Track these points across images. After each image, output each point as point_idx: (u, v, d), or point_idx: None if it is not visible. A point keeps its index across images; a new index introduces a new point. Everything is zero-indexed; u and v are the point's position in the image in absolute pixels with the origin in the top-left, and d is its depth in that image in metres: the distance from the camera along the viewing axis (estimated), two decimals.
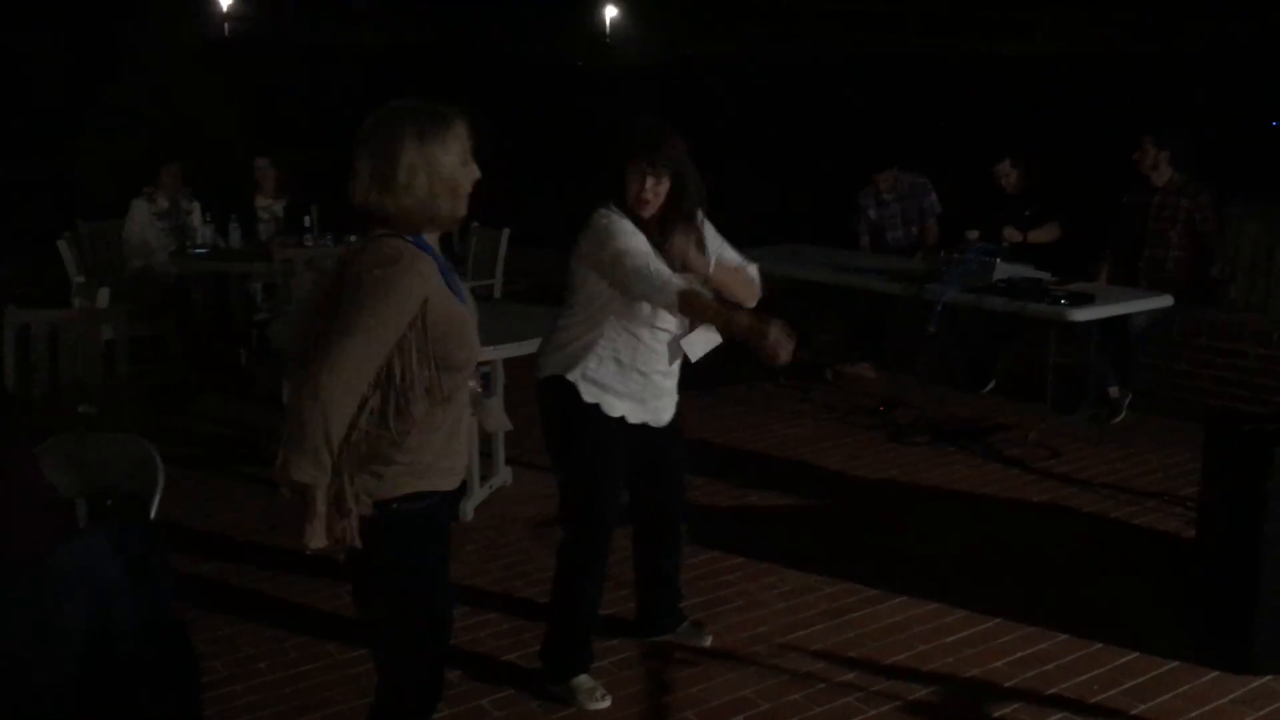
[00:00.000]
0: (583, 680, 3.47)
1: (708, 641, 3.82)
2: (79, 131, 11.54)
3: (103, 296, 4.97)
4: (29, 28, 14.32)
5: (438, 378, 2.35)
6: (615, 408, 3.35)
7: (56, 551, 2.28)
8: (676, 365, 3.45)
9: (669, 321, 3.36)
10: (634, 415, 3.41)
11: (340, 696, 3.54)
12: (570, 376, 3.34)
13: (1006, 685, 3.56)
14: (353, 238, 7.17)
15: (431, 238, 2.43)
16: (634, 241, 3.21)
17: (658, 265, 3.17)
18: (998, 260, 5.67)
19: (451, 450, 2.49)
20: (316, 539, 2.32)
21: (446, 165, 2.35)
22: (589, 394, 3.33)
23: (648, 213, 3.27)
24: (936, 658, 3.74)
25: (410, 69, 18.86)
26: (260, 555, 4.55)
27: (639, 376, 3.36)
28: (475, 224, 7.21)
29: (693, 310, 3.20)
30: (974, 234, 5.92)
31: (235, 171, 8.83)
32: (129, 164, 7.99)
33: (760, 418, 6.38)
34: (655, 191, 3.25)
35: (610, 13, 29.39)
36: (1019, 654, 3.75)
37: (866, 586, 4.25)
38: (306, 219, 7.16)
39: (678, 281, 3.14)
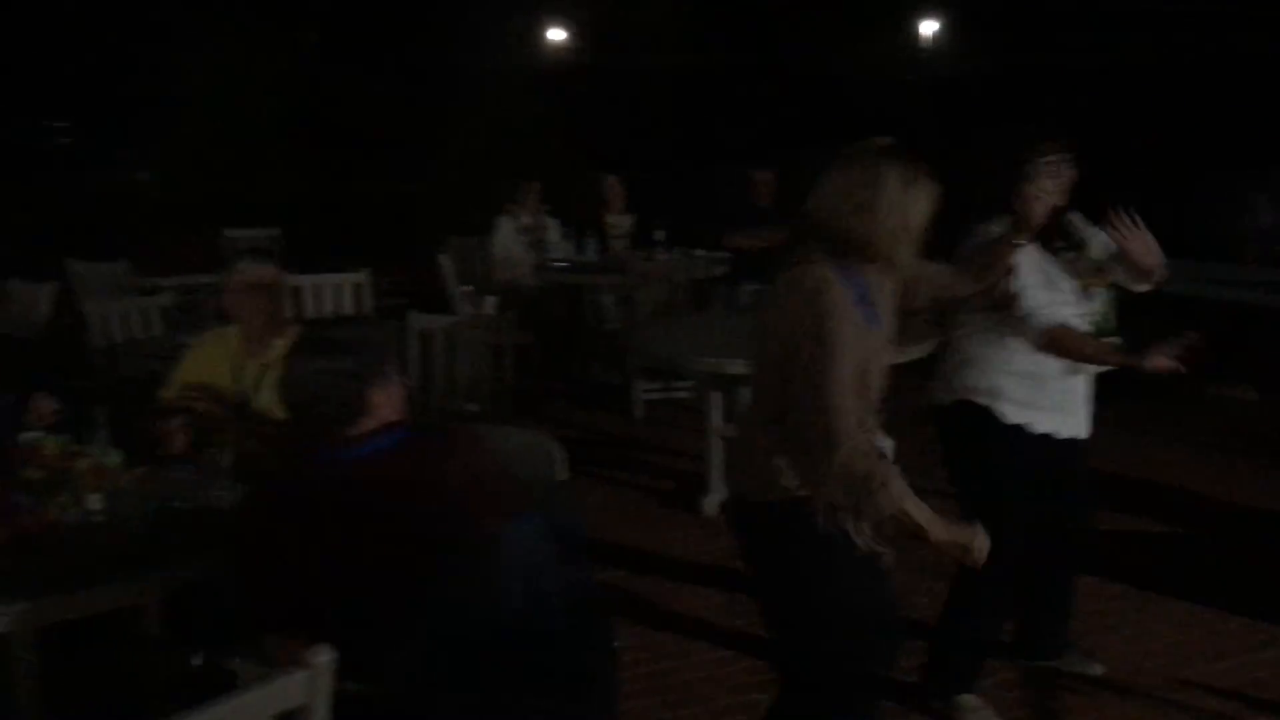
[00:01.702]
0: (969, 699, 3.37)
1: (1098, 670, 3.62)
2: (442, 152, 12.54)
3: (489, 305, 5.35)
4: (388, 58, 15.73)
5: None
6: (1040, 423, 3.25)
7: (505, 531, 2.45)
8: (1090, 370, 3.30)
9: (1074, 324, 3.22)
10: (1063, 429, 3.29)
11: (715, 693, 3.62)
12: (982, 399, 3.26)
13: None
14: (699, 251, 7.42)
15: (874, 273, 2.45)
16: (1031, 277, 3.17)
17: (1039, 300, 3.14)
18: None
19: None
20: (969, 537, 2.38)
21: (916, 214, 2.39)
22: (1012, 414, 3.23)
23: (1057, 201, 3.15)
24: None
25: (722, 88, 19.25)
26: (616, 553, 4.71)
27: (1057, 386, 3.24)
28: None
29: (1062, 349, 3.16)
30: None
31: (577, 190, 9.28)
32: (488, 184, 8.56)
33: (1133, 439, 6.01)
34: (1064, 178, 3.15)
35: (929, 26, 28.82)
36: None
37: (1274, 625, 3.90)
38: (657, 234, 7.42)
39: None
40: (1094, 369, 3.33)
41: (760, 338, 2.48)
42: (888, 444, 2.54)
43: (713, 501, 5.18)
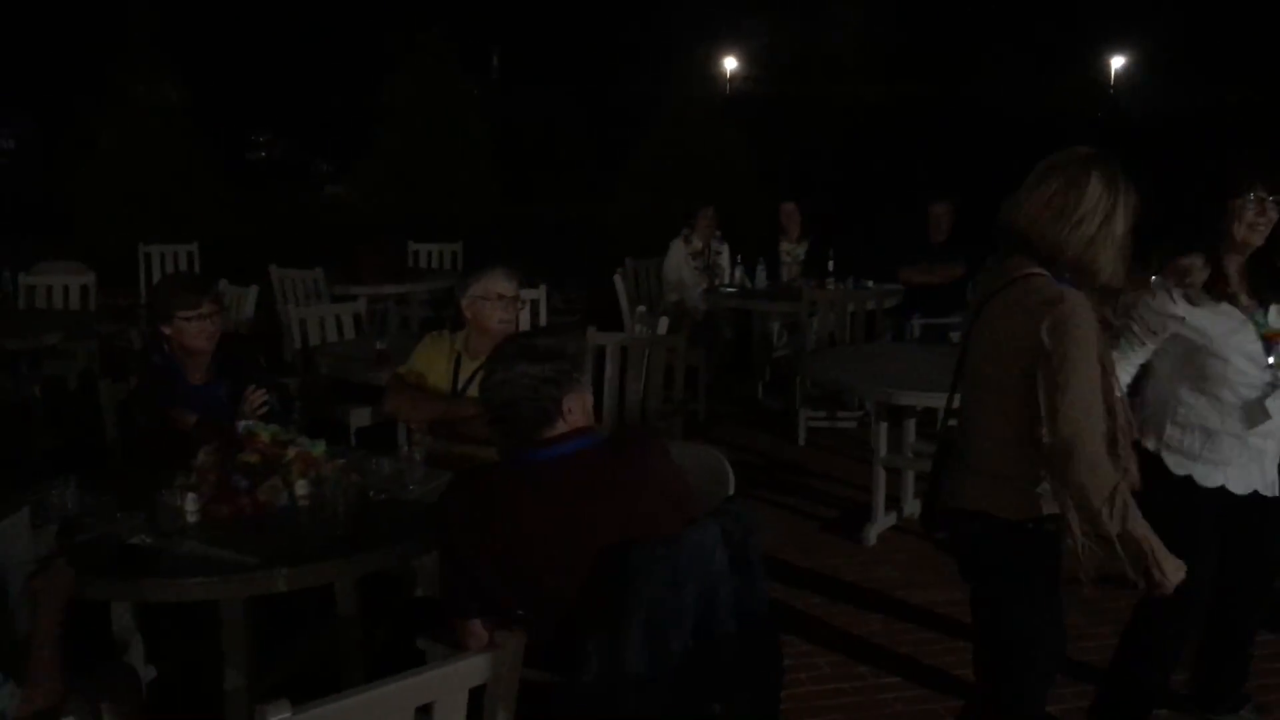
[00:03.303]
0: None
1: None
2: (624, 176, 12.85)
3: (662, 325, 5.49)
4: (573, 85, 16.29)
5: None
6: (1211, 477, 3.13)
7: (683, 535, 2.56)
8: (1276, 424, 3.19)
9: (1252, 379, 3.12)
10: (1236, 484, 3.15)
11: (873, 718, 3.65)
12: (1151, 446, 3.16)
13: None
14: (871, 282, 7.41)
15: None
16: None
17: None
18: None
19: None
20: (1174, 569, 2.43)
21: (1121, 222, 2.42)
22: (1177, 466, 3.13)
23: (1258, 241, 3.06)
24: None
25: (904, 121, 19.11)
26: (777, 575, 4.73)
27: (1232, 440, 3.11)
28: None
29: None
30: None
31: (752, 217, 9.38)
32: (667, 208, 8.76)
33: None
34: (1269, 217, 3.05)
35: (1116, 63, 27.95)
36: None
37: None
38: (830, 263, 7.45)
39: None
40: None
41: (985, 355, 2.54)
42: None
43: (875, 531, 5.18)
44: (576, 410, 2.52)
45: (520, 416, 2.48)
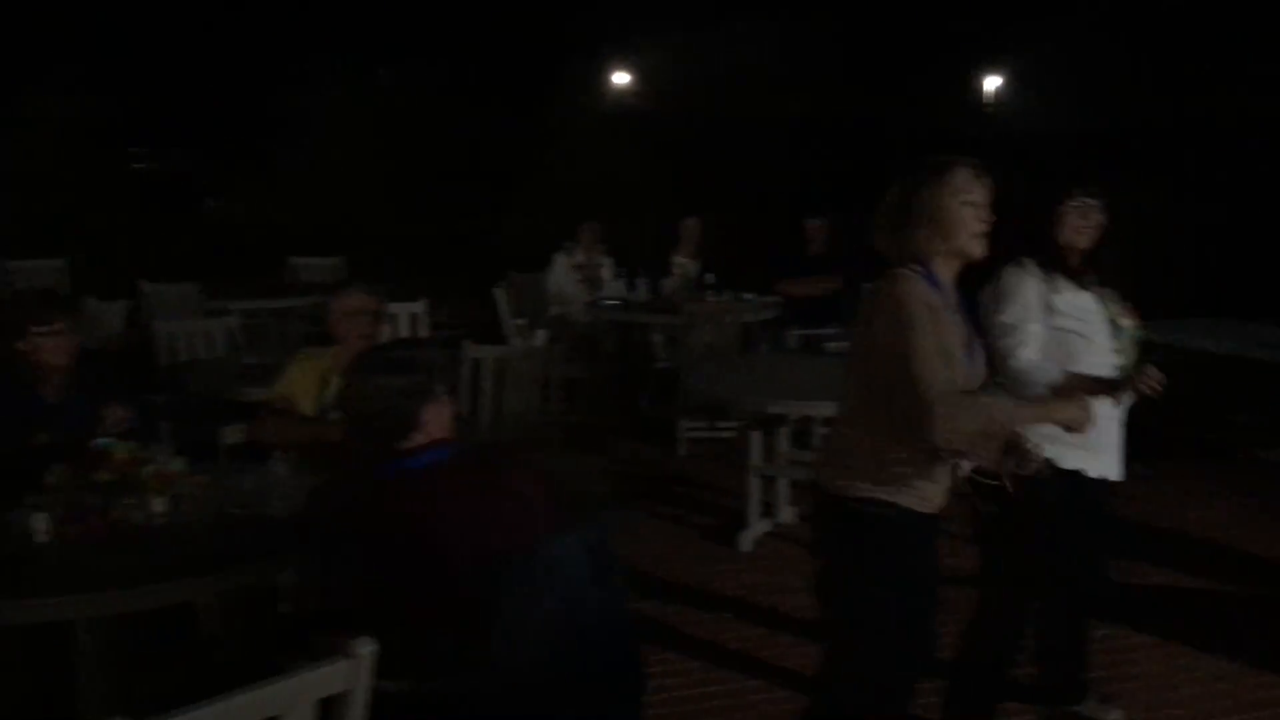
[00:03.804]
0: None
1: (1117, 717, 3.66)
2: (510, 193, 12.85)
3: (540, 338, 5.52)
4: (465, 100, 16.24)
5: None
6: (1067, 459, 3.24)
7: (542, 546, 2.59)
8: (1120, 409, 3.35)
9: (1105, 360, 3.30)
10: (1093, 468, 3.31)
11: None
12: None
13: None
14: (749, 295, 7.56)
15: (946, 274, 2.62)
16: (1016, 312, 3.28)
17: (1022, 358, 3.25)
18: None
19: (927, 474, 2.61)
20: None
21: (949, 197, 2.56)
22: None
23: (1085, 243, 3.30)
24: None
25: (783, 139, 19.45)
26: (654, 584, 4.79)
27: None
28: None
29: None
30: None
31: (637, 231, 9.45)
32: (552, 222, 8.80)
33: (1176, 496, 6.04)
34: (1092, 221, 3.30)
35: (991, 82, 28.86)
36: None
37: None
38: (708, 277, 7.57)
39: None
40: (1122, 409, 3.38)
41: (853, 349, 2.67)
42: None
43: (750, 537, 5.28)
44: (434, 422, 2.54)
45: (377, 428, 2.49)
